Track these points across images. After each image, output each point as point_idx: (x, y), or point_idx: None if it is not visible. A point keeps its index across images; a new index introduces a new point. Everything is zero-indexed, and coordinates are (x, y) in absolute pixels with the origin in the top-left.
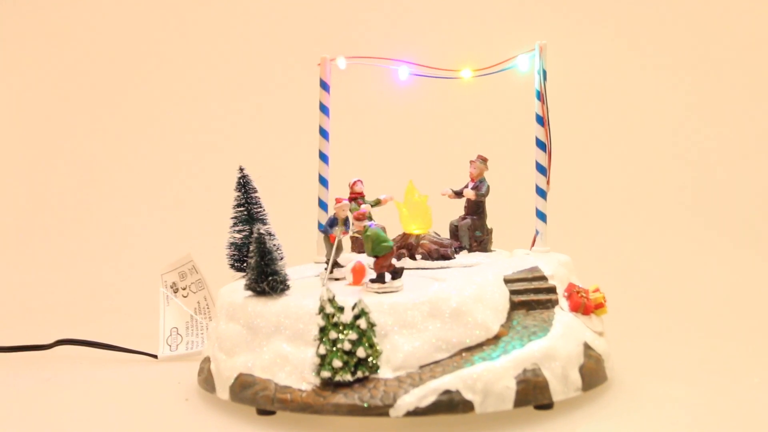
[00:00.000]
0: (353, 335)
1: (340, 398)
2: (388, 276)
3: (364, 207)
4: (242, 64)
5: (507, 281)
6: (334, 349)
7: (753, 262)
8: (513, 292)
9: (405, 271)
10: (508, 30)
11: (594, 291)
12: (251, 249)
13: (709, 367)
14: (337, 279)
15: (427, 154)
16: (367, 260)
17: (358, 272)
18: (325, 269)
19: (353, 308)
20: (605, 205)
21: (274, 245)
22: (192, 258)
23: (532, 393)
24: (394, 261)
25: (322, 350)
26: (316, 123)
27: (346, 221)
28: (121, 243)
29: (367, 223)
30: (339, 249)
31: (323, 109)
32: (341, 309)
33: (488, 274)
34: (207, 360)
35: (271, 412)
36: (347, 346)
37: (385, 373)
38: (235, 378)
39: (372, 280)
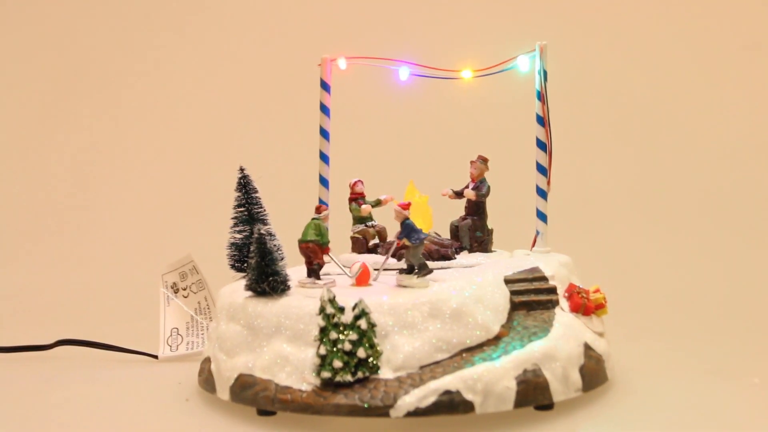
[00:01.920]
0: (354, 336)
1: (340, 399)
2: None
3: (365, 206)
4: (243, 64)
5: (507, 282)
6: (335, 349)
7: (753, 262)
8: (513, 293)
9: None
10: (509, 30)
11: (594, 291)
12: (252, 249)
13: (709, 368)
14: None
15: (428, 155)
16: (371, 261)
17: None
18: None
19: (354, 309)
20: (606, 206)
21: (275, 245)
22: (192, 258)
23: (533, 393)
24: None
25: (323, 351)
26: (317, 123)
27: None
28: (121, 243)
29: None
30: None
31: (324, 109)
32: (342, 309)
33: (489, 275)
34: (207, 360)
35: (272, 413)
36: (348, 346)
37: (385, 373)
38: (235, 378)
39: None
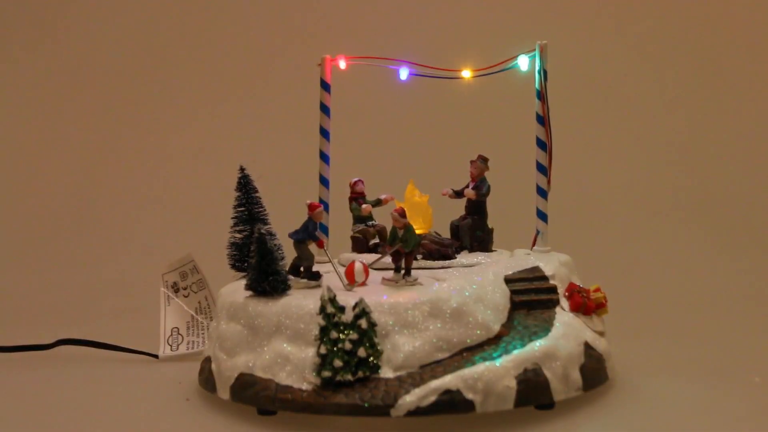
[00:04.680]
0: (354, 335)
1: (340, 398)
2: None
3: (365, 206)
4: (243, 64)
5: (508, 281)
6: (335, 349)
7: (753, 261)
8: (514, 292)
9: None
10: (509, 30)
11: (595, 291)
12: (252, 249)
13: (709, 367)
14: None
15: (428, 154)
16: (368, 260)
17: (364, 273)
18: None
19: (354, 308)
20: (606, 205)
21: (275, 245)
22: (193, 258)
23: (533, 393)
24: (387, 261)
25: (323, 350)
26: (317, 123)
27: None
28: (121, 243)
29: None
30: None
31: (324, 109)
32: (342, 309)
33: (489, 274)
34: (208, 360)
35: (272, 412)
36: (348, 346)
37: (385, 372)
38: (235, 378)
39: (405, 275)
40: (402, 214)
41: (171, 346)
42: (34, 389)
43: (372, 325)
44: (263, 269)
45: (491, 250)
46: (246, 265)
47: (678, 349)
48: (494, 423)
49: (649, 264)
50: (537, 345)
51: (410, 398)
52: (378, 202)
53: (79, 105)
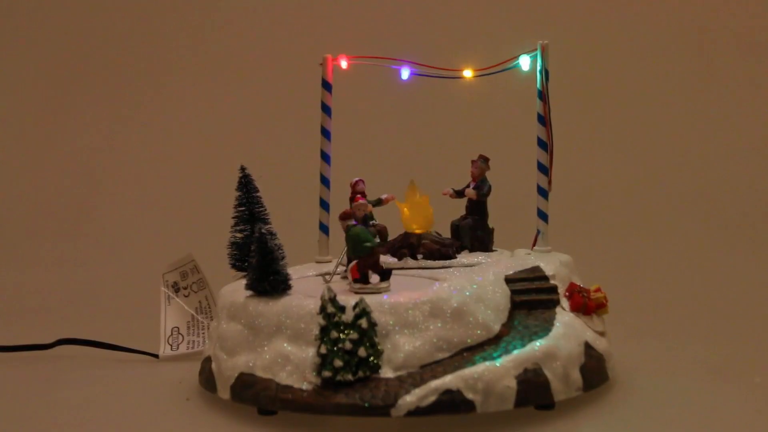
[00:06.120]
0: (354, 335)
1: (341, 398)
2: (376, 277)
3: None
4: (244, 63)
5: (508, 281)
6: (335, 348)
7: (754, 261)
8: (514, 292)
9: (407, 271)
10: (510, 30)
11: (595, 291)
12: (253, 248)
13: (710, 367)
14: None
15: (429, 154)
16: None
17: (351, 273)
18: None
19: (354, 308)
20: (607, 205)
21: (276, 245)
22: (193, 257)
23: (533, 393)
24: (389, 261)
25: (323, 350)
26: (318, 123)
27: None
28: (122, 242)
29: (351, 222)
30: None
31: (325, 108)
32: (342, 309)
33: (489, 274)
34: (208, 360)
35: (273, 412)
36: (348, 345)
37: (386, 372)
38: (236, 377)
39: (355, 281)
40: (342, 216)
41: (171, 345)
42: (34, 389)
43: (372, 324)
44: (264, 269)
45: (492, 250)
46: (246, 264)
47: (678, 349)
48: (494, 423)
49: (650, 264)
50: (537, 345)
51: (410, 398)
52: (379, 202)
53: (80, 104)
